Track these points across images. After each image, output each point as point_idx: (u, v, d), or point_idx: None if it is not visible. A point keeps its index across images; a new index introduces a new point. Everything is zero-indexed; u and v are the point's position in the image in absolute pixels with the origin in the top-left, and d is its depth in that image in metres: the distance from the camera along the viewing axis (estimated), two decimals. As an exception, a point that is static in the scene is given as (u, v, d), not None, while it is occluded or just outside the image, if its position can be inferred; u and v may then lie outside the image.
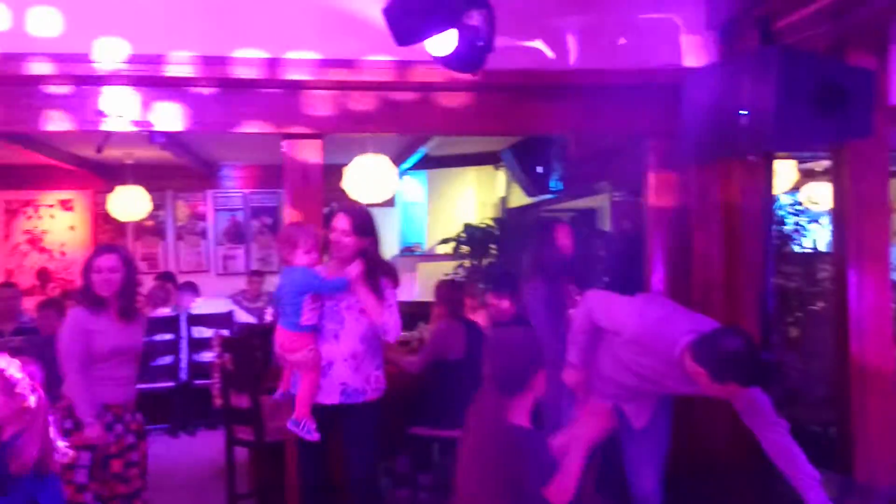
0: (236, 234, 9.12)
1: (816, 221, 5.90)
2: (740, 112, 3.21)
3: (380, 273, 3.60)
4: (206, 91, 4.01)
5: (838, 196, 3.81)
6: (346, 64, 3.99)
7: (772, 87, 3.14)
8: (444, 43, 3.55)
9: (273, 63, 3.95)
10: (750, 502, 3.61)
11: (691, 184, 4.37)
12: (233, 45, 3.94)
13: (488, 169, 9.05)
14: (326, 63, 3.98)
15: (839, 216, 3.80)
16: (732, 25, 4.07)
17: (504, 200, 8.97)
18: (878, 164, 3.67)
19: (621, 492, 3.49)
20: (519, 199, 8.35)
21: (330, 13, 4.02)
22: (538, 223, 7.64)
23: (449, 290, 5.14)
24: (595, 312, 3.40)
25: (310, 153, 4.18)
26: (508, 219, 8.34)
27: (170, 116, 4.00)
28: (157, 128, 4.03)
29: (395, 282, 3.66)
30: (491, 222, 8.10)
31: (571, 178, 7.09)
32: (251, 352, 5.12)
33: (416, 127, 4.32)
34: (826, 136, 3.30)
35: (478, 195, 9.47)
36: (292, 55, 3.98)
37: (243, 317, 7.41)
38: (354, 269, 3.49)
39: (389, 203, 8.30)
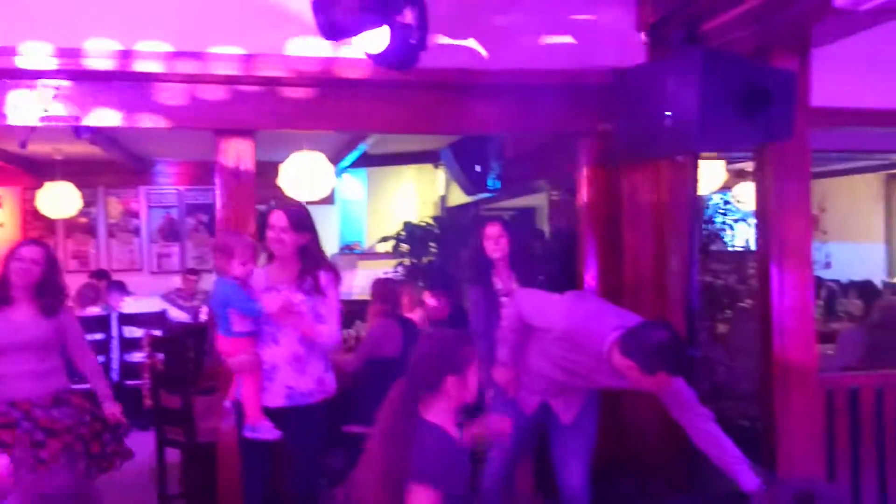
0: (171, 232, 8.94)
1: (745, 221, 6.05)
2: (665, 113, 3.26)
3: (321, 269, 3.53)
4: (58, 83, 3.89)
5: (761, 196, 3.91)
6: (196, 56, 3.90)
7: (695, 88, 3.21)
8: (375, 40, 3.53)
9: (125, 54, 3.84)
10: (677, 497, 3.68)
11: (622, 183, 4.44)
12: (85, 35, 3.83)
13: (428, 167, 9.05)
14: (177, 55, 3.89)
15: (762, 216, 3.90)
16: (662, 27, 4.13)
17: (444, 199, 8.99)
18: (799, 165, 3.77)
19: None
20: (459, 197, 8.38)
21: (184, 4, 3.95)
22: (476, 222, 7.68)
23: (385, 289, 5.12)
24: (524, 311, 3.42)
25: (242, 151, 4.12)
26: (448, 217, 8.36)
27: (24, 109, 3.87)
28: (11, 122, 3.92)
29: (337, 279, 3.60)
30: (431, 221, 8.10)
31: (510, 176, 7.14)
32: (183, 351, 5.02)
33: (265, 123, 4.17)
34: (748, 137, 3.38)
35: (418, 193, 9.47)
36: (143, 46, 3.88)
37: (177, 316, 7.27)
38: (273, 303, 3.38)
39: (328, 201, 8.24)
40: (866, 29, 3.62)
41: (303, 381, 3.50)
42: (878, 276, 9.00)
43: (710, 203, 6.43)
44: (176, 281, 8.39)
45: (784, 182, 3.77)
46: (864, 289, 6.84)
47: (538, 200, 8.36)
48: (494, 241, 4.17)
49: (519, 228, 6.42)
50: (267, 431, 3.44)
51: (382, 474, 2.50)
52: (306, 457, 3.54)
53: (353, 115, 4.23)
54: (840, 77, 4.02)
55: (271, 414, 3.48)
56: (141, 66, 3.86)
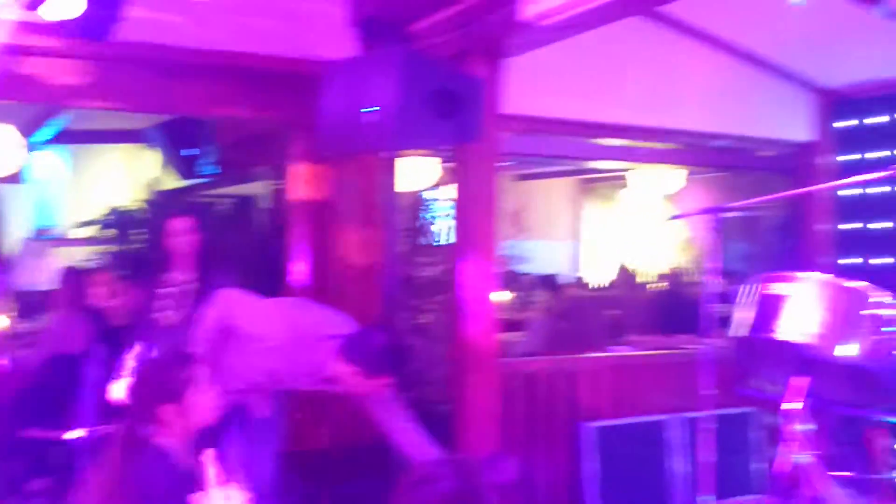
0: None
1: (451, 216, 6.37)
2: (365, 110, 3.33)
3: None
4: None
5: (458, 193, 4.15)
6: None
7: (394, 87, 3.31)
8: (70, 7, 3.24)
9: None
10: (374, 484, 3.78)
11: (333, 176, 4.48)
12: None
13: (140, 148, 8.50)
14: None
15: (457, 212, 4.14)
16: (373, 24, 4.21)
17: (156, 182, 8.49)
18: (488, 166, 4.04)
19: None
20: (174, 181, 7.97)
21: None
22: (190, 209, 7.35)
23: (72, 278, 4.74)
24: (234, 315, 3.30)
25: None
26: (160, 202, 7.90)
27: None
28: None
29: None
30: (141, 205, 7.63)
31: (229, 162, 6.92)
32: None
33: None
34: (442, 137, 3.55)
35: (128, 175, 8.87)
36: None
37: None
38: None
39: (15, 179, 7.41)
40: (553, 42, 3.95)
41: None
42: (568, 271, 10.00)
43: (425, 199, 6.71)
44: None
45: (474, 181, 4.02)
46: (549, 282, 7.55)
47: (260, 189, 8.18)
48: (181, 236, 4.03)
49: (217, 221, 6.29)
50: None
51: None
52: None
53: (39, 86, 3.85)
54: (530, 87, 4.35)
55: None
56: None
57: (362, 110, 3.29)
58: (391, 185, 4.23)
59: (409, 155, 5.51)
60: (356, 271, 4.44)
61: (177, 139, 6.62)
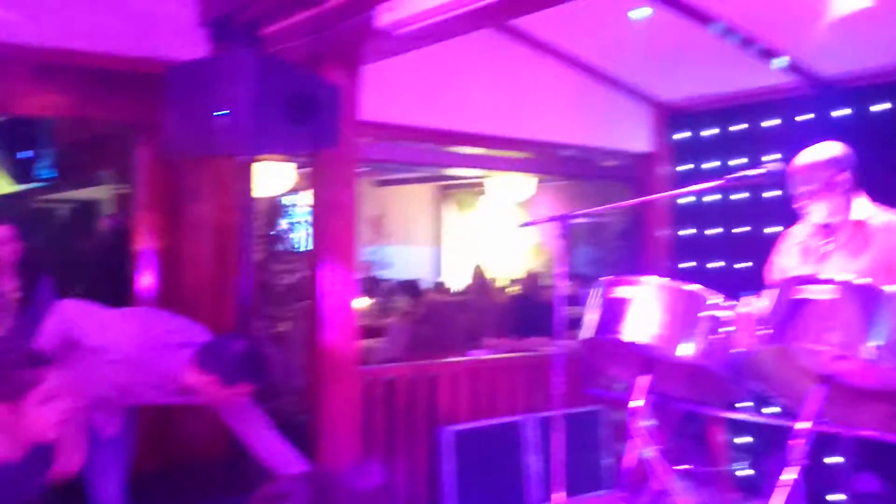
0: None
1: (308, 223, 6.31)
2: (216, 113, 3.24)
3: None
4: None
5: (315, 199, 4.11)
6: None
7: (247, 91, 3.23)
8: None
9: None
10: (229, 496, 3.68)
11: (184, 181, 4.32)
12: None
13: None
14: None
15: (314, 218, 4.10)
16: (223, 25, 4.09)
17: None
18: (346, 173, 4.03)
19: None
20: (7, 185, 7.45)
21: None
22: (20, 215, 6.91)
23: None
24: (76, 327, 3.11)
25: None
26: (-8, 207, 7.37)
27: None
28: None
29: None
30: (-30, 211, 7.07)
31: (69, 165, 6.55)
32: None
33: None
34: (298, 143, 3.50)
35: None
36: None
37: None
38: None
39: None
40: (409, 51, 3.98)
41: None
42: (429, 276, 10.11)
43: (283, 205, 6.61)
44: None
45: (332, 187, 4.00)
46: (410, 287, 7.62)
47: (102, 193, 7.78)
48: (2, 245, 3.81)
49: (55, 228, 5.95)
50: None
51: None
52: None
53: None
54: (388, 94, 4.38)
55: None
56: None
57: (216, 113, 3.19)
58: (247, 189, 4.11)
59: (264, 159, 5.40)
60: (209, 279, 4.29)
61: (10, 141, 6.23)
